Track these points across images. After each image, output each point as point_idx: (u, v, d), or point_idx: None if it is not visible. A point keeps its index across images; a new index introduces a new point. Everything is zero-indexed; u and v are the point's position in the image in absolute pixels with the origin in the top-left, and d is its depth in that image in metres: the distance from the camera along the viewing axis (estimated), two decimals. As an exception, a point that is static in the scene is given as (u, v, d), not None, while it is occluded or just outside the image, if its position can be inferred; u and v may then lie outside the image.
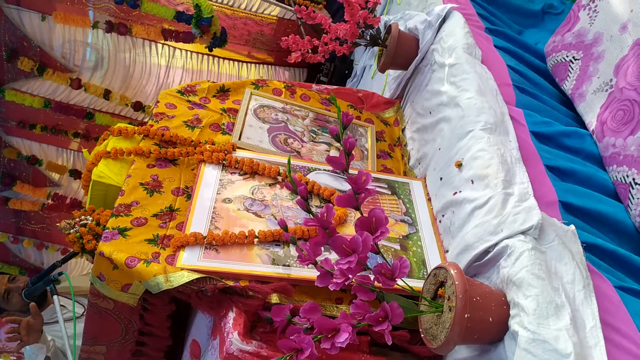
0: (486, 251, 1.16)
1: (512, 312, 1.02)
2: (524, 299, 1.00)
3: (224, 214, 1.38)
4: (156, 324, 1.40)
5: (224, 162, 1.53)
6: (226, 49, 3.42)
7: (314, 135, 1.80)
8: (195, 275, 1.20)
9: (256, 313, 1.21)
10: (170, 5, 3.25)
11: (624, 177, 1.41)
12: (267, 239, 1.32)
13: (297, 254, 1.06)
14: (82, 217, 1.42)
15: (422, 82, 1.82)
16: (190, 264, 1.23)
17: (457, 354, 1.13)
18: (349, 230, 1.41)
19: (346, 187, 1.26)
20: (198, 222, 1.33)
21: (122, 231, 1.30)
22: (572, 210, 1.34)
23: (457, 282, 1.00)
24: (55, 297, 1.81)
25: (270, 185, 1.52)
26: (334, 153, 1.76)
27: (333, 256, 1.02)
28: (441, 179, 1.50)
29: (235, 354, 1.12)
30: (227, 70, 3.78)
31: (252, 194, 1.47)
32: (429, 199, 1.56)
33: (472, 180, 1.32)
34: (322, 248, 1.06)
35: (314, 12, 1.91)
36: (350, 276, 0.99)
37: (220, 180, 1.49)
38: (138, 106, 3.69)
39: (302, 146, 1.74)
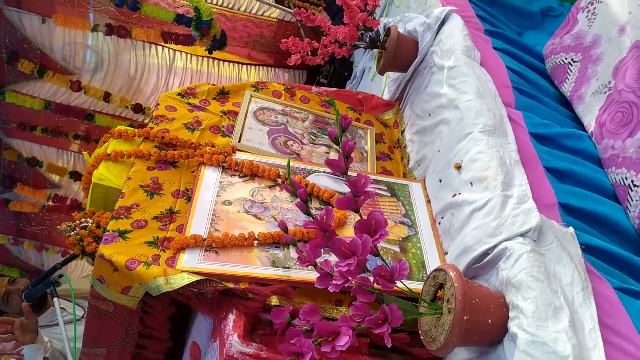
0: (485, 253, 1.16)
1: (511, 314, 1.02)
2: (523, 301, 1.00)
3: (224, 216, 1.38)
4: (156, 327, 1.40)
5: (223, 164, 1.54)
6: (226, 51, 3.42)
7: (314, 138, 1.80)
8: (195, 278, 1.20)
9: (256, 315, 1.21)
10: (170, 8, 3.26)
11: (622, 179, 1.41)
12: (266, 241, 1.32)
13: (297, 256, 1.06)
14: (83, 219, 1.43)
15: (422, 84, 1.83)
16: (190, 266, 1.23)
17: (456, 356, 1.13)
18: (348, 232, 1.42)
19: (346, 189, 1.26)
20: (198, 225, 1.33)
21: (122, 233, 1.31)
22: (572, 212, 1.34)
23: (456, 284, 1.00)
24: (55, 299, 1.82)
25: (270, 187, 1.52)
26: (333, 155, 1.76)
27: (333, 258, 1.03)
28: (440, 181, 1.50)
29: (235, 356, 1.12)
30: (227, 72, 3.79)
31: (252, 196, 1.48)
32: (429, 201, 1.57)
33: (471, 183, 1.33)
34: (322, 250, 1.06)
35: (313, 14, 1.92)
36: (349, 278, 0.99)
37: (220, 182, 1.49)
38: (138, 108, 3.70)
39: (302, 148, 1.74)
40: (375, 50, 2.06)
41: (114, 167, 1.54)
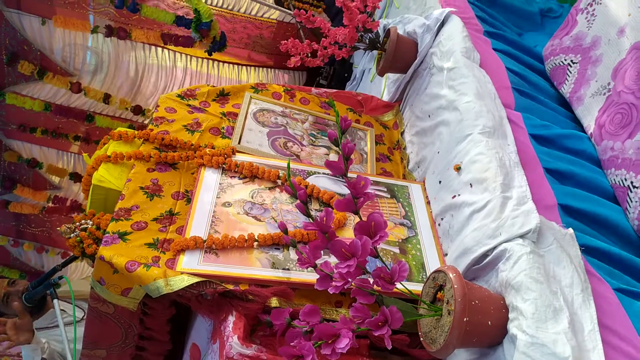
0: (485, 255, 1.16)
1: (510, 315, 1.02)
2: (523, 303, 1.00)
3: (224, 218, 1.38)
4: (156, 328, 1.40)
5: (223, 165, 1.54)
6: (226, 53, 3.43)
7: (314, 139, 1.80)
8: (195, 279, 1.20)
9: (256, 317, 1.21)
10: (169, 9, 3.26)
11: (622, 181, 1.41)
12: (266, 243, 1.32)
13: (297, 257, 1.07)
14: (83, 221, 1.43)
15: (421, 85, 1.83)
16: (190, 267, 1.23)
17: (456, 358, 1.14)
18: (348, 234, 1.42)
19: (346, 190, 1.26)
20: (198, 226, 1.34)
21: (122, 235, 1.31)
22: (572, 213, 1.34)
23: (455, 286, 1.00)
24: (55, 301, 1.82)
25: (269, 188, 1.52)
26: (333, 156, 1.77)
27: (332, 259, 1.03)
28: (440, 182, 1.50)
29: (235, 357, 1.12)
30: (227, 73, 3.79)
31: (252, 197, 1.48)
32: (428, 202, 1.57)
33: (470, 184, 1.33)
34: (322, 251, 1.06)
35: (313, 15, 1.92)
36: (349, 280, 0.99)
37: (220, 184, 1.49)
38: (137, 110, 3.70)
39: (302, 150, 1.75)
40: (375, 52, 2.06)
41: (114, 168, 1.54)
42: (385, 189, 1.60)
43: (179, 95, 1.80)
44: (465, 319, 0.98)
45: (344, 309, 1.26)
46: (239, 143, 1.66)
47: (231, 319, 1.19)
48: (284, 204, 1.48)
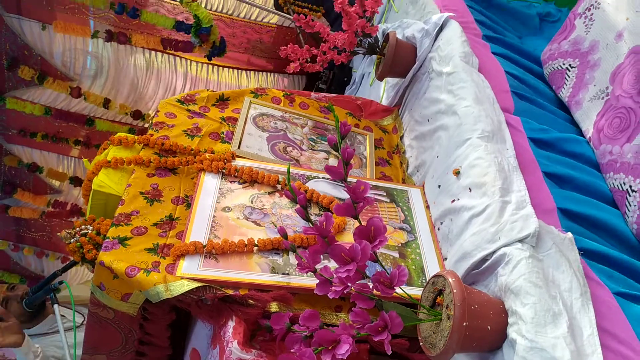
0: (484, 259, 1.17)
1: (510, 320, 1.02)
2: (522, 307, 1.00)
3: (224, 223, 1.38)
4: (156, 334, 1.40)
5: (223, 170, 1.54)
6: (225, 57, 3.44)
7: (313, 144, 1.81)
8: (195, 284, 1.21)
9: (256, 322, 1.22)
10: (169, 14, 3.27)
11: (620, 185, 1.42)
12: (266, 248, 1.32)
13: (297, 262, 1.07)
14: (83, 226, 1.43)
15: (420, 90, 1.83)
16: (190, 272, 1.23)
17: (456, 362, 1.14)
18: (348, 238, 1.42)
19: (345, 194, 1.27)
20: (198, 231, 1.34)
21: (122, 240, 1.31)
22: (571, 217, 1.35)
23: (455, 291, 1.00)
24: (55, 306, 1.82)
25: (269, 193, 1.53)
26: (332, 161, 1.77)
27: (332, 264, 1.03)
28: (439, 186, 1.50)
29: (235, 362, 1.12)
30: (227, 78, 3.80)
31: (252, 202, 1.48)
32: (428, 207, 1.57)
33: (469, 188, 1.33)
34: (321, 256, 1.06)
35: (312, 20, 1.92)
36: (349, 284, 1.00)
37: (219, 188, 1.49)
38: (137, 115, 3.71)
39: (301, 154, 1.75)
40: (374, 56, 2.07)
41: (114, 174, 1.54)
42: (385, 194, 1.60)
43: (178, 100, 1.81)
44: (464, 324, 0.98)
45: (343, 313, 1.26)
46: (238, 148, 1.67)
47: (231, 324, 1.19)
48: (283, 209, 1.48)
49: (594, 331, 1.01)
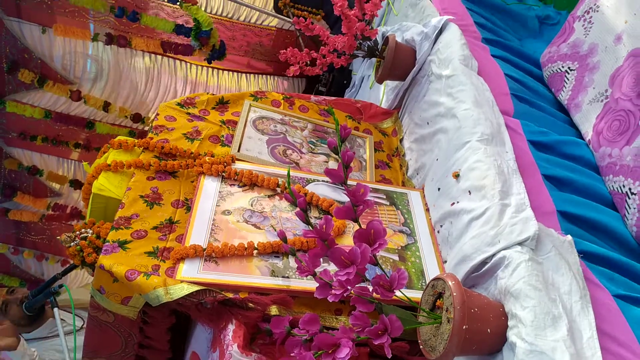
0: (484, 262, 1.17)
1: (510, 323, 1.02)
2: (522, 310, 1.00)
3: (224, 226, 1.38)
4: (156, 337, 1.40)
5: (223, 174, 1.54)
6: (225, 60, 3.44)
7: (313, 147, 1.81)
8: (195, 288, 1.21)
9: (256, 325, 1.22)
10: (169, 18, 3.28)
11: (620, 187, 1.42)
12: (266, 251, 1.32)
13: (297, 265, 1.07)
14: (83, 230, 1.43)
15: (420, 92, 1.84)
16: (190, 276, 1.23)
17: (456, 365, 1.14)
18: (347, 241, 1.42)
19: (345, 197, 1.27)
20: (198, 234, 1.34)
21: (122, 244, 1.31)
22: (571, 219, 1.35)
23: (454, 294, 1.00)
24: (55, 309, 1.82)
25: (269, 196, 1.53)
26: (332, 164, 1.77)
27: (332, 267, 1.03)
28: (439, 189, 1.51)
29: (235, 366, 1.12)
30: (227, 81, 3.80)
31: (252, 205, 1.48)
32: (427, 210, 1.57)
33: (469, 191, 1.33)
34: (321, 259, 1.06)
35: (312, 23, 1.93)
36: (349, 287, 1.00)
37: (219, 192, 1.49)
38: (137, 118, 3.71)
39: (301, 157, 1.75)
40: (374, 59, 2.07)
41: (114, 177, 1.55)
42: (385, 196, 1.60)
43: (178, 104, 1.81)
44: (464, 327, 0.98)
45: (343, 316, 1.26)
46: (238, 151, 1.67)
47: (231, 327, 1.19)
48: (283, 212, 1.48)
49: (594, 334, 1.01)
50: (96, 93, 3.60)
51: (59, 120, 3.70)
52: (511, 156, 1.39)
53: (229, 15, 3.61)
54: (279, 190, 1.55)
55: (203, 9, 3.24)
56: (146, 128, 3.78)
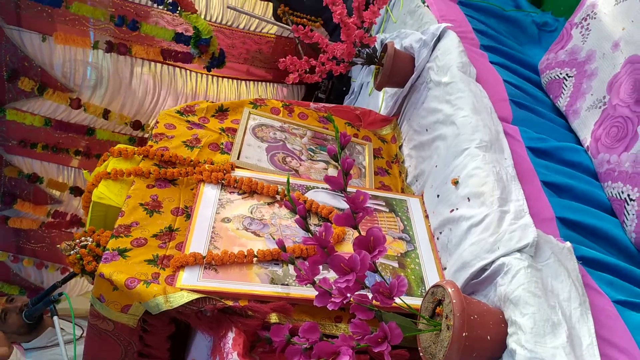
0: (483, 269, 1.17)
1: (509, 330, 1.02)
2: (521, 317, 1.00)
3: (223, 234, 1.39)
4: (156, 345, 1.40)
5: (223, 181, 1.55)
6: (225, 68, 3.46)
7: (312, 154, 1.81)
8: (195, 296, 1.21)
9: (255, 333, 1.21)
10: (169, 26, 3.30)
11: (619, 193, 1.42)
12: (266, 258, 1.33)
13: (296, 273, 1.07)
14: (82, 238, 1.43)
15: (419, 99, 1.84)
16: (189, 284, 1.23)
17: (456, 372, 1.13)
18: (347, 248, 1.42)
19: (344, 205, 1.27)
20: (197, 242, 1.34)
21: (122, 252, 1.31)
22: (570, 226, 1.35)
23: (454, 301, 1.00)
24: (55, 318, 1.81)
25: (269, 204, 1.53)
26: (332, 171, 1.77)
27: (331, 275, 1.03)
28: (438, 196, 1.51)
29: (235, 374, 1.12)
30: (226, 88, 3.82)
31: (251, 213, 1.48)
32: (427, 216, 1.57)
33: (468, 198, 1.34)
34: (321, 267, 1.06)
35: (311, 31, 1.94)
36: (348, 295, 1.00)
37: (219, 199, 1.50)
38: (137, 125, 3.72)
39: (300, 164, 1.76)
40: (373, 66, 2.08)
41: (114, 185, 1.55)
42: (384, 203, 1.61)
43: (178, 112, 1.81)
44: (464, 334, 0.98)
45: (343, 324, 1.26)
46: (238, 158, 1.67)
47: (231, 335, 1.19)
48: (283, 219, 1.49)
49: (593, 341, 1.01)
50: (96, 101, 3.61)
51: (59, 128, 3.71)
52: (510, 163, 1.40)
53: (229, 23, 3.63)
54: (278, 197, 1.55)
55: (203, 17, 3.26)
56: (146, 135, 3.79)
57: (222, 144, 1.73)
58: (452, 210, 1.39)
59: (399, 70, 1.92)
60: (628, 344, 1.08)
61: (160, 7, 2.96)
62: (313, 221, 1.51)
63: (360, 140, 1.94)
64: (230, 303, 1.21)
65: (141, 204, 1.46)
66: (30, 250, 4.33)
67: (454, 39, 1.80)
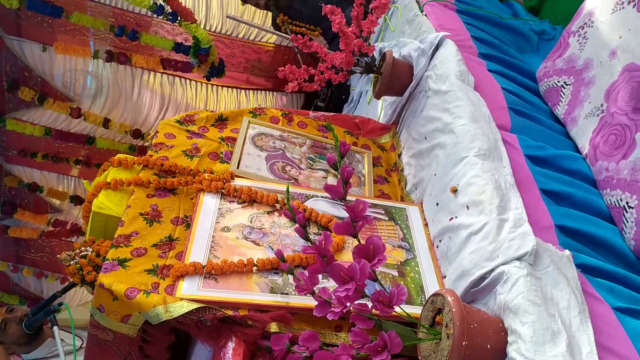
0: (482, 277, 1.17)
1: (509, 339, 1.02)
2: (521, 326, 1.00)
3: (223, 243, 1.39)
4: (156, 355, 1.39)
5: (222, 190, 1.55)
6: (224, 77, 3.47)
7: (312, 162, 1.82)
8: (195, 305, 1.21)
9: (255, 342, 1.21)
10: (169, 35, 3.32)
11: (617, 201, 1.42)
12: (265, 267, 1.33)
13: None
14: (82, 248, 1.43)
15: (417, 108, 1.85)
16: (189, 293, 1.23)
17: (456, 381, 1.13)
18: (347, 257, 1.42)
19: (344, 213, 1.27)
20: (197, 252, 1.34)
21: (121, 262, 1.31)
22: (569, 234, 1.35)
23: (454, 309, 1.00)
24: (55, 328, 1.81)
25: (268, 213, 1.53)
26: (331, 180, 1.78)
27: (331, 284, 1.03)
28: (437, 204, 1.51)
29: (235, 384, 1.12)
30: (226, 97, 3.83)
31: (251, 222, 1.48)
32: (426, 225, 1.58)
33: (467, 206, 1.34)
34: (320, 276, 1.06)
35: (310, 40, 1.95)
36: (348, 304, 1.00)
37: (219, 208, 1.50)
38: (137, 134, 3.73)
39: (300, 173, 1.76)
40: (372, 74, 2.09)
41: (114, 195, 1.55)
42: (383, 212, 1.61)
43: (178, 121, 1.82)
44: (464, 343, 0.98)
45: (343, 332, 1.26)
46: (237, 167, 1.68)
47: (231, 344, 1.18)
48: (282, 228, 1.49)
49: (593, 349, 1.01)
50: (96, 110, 3.63)
51: (59, 137, 3.73)
52: (508, 171, 1.40)
53: (228, 33, 3.65)
54: (278, 206, 1.55)
55: (202, 26, 3.28)
56: (146, 144, 3.80)
57: (222, 153, 1.74)
58: (452, 218, 1.39)
59: (397, 79, 1.93)
60: (628, 351, 1.08)
61: (160, 17, 2.98)
62: (313, 230, 1.51)
63: (360, 148, 1.95)
64: (230, 312, 1.21)
65: (141, 214, 1.46)
66: (30, 260, 4.33)
67: (452, 48, 1.81)
